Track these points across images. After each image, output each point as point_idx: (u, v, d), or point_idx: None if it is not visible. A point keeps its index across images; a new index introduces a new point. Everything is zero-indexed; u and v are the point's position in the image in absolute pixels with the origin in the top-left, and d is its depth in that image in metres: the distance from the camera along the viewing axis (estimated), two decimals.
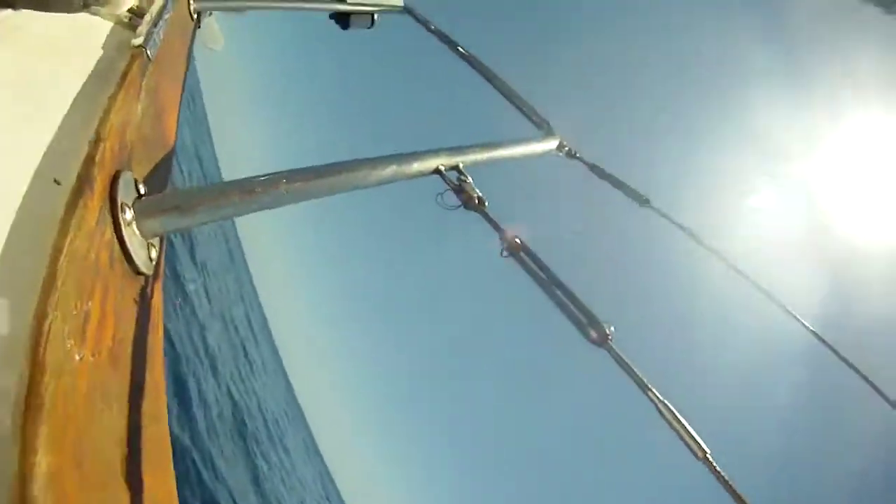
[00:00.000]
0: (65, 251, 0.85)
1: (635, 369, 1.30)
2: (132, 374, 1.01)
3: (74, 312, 0.84)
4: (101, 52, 1.55)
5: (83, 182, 0.99)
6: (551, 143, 2.36)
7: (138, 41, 1.53)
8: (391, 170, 1.53)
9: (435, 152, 1.68)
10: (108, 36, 1.66)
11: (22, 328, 0.77)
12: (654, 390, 1.26)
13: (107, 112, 1.18)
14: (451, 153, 1.72)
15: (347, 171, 1.46)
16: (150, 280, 1.19)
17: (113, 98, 1.25)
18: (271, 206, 1.33)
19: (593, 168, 2.38)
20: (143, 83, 1.46)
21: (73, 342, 0.81)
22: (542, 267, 1.39)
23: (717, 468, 1.17)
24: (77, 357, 0.81)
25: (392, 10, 2.90)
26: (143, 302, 1.13)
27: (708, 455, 1.18)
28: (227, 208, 1.23)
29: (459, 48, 2.61)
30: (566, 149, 2.46)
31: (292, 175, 1.35)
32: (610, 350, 1.32)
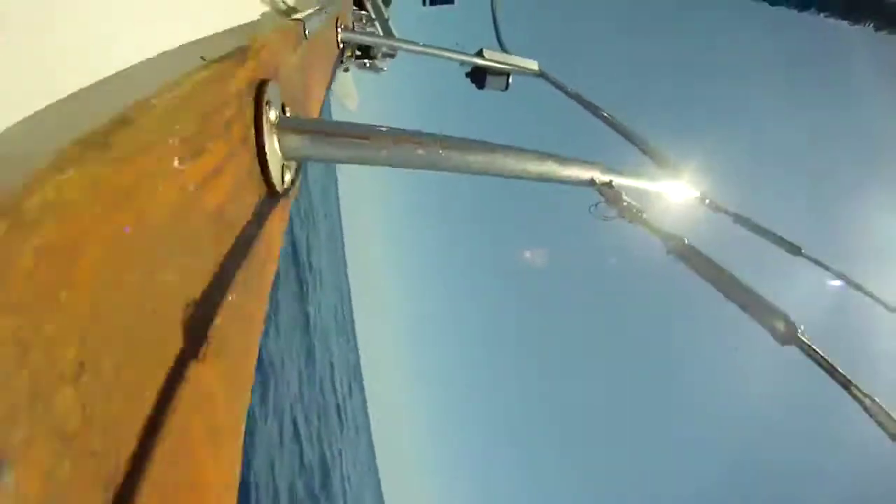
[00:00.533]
0: (199, 111, 0.72)
1: (829, 359, 1.19)
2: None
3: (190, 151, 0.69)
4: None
5: (234, 62, 0.89)
6: (694, 193, 2.28)
7: (299, 16, 1.54)
8: (548, 166, 1.40)
9: (592, 164, 1.54)
10: (265, 12, 1.68)
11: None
12: (848, 377, 1.14)
13: (264, 32, 1.13)
14: (607, 170, 1.57)
15: (505, 154, 1.31)
16: (275, 203, 1.04)
17: (275, 30, 1.20)
18: (422, 167, 1.19)
19: (738, 219, 2.23)
20: (300, 47, 1.42)
21: (179, 162, 0.65)
22: (715, 266, 1.32)
23: None
24: (178, 172, 0.65)
25: (526, 72, 2.92)
26: (261, 218, 0.97)
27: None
28: (375, 151, 1.10)
29: (595, 107, 2.56)
30: (707, 201, 2.34)
31: (450, 141, 1.22)
32: (801, 345, 1.22)
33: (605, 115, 2.86)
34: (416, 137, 1.14)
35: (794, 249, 2.23)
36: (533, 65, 2.96)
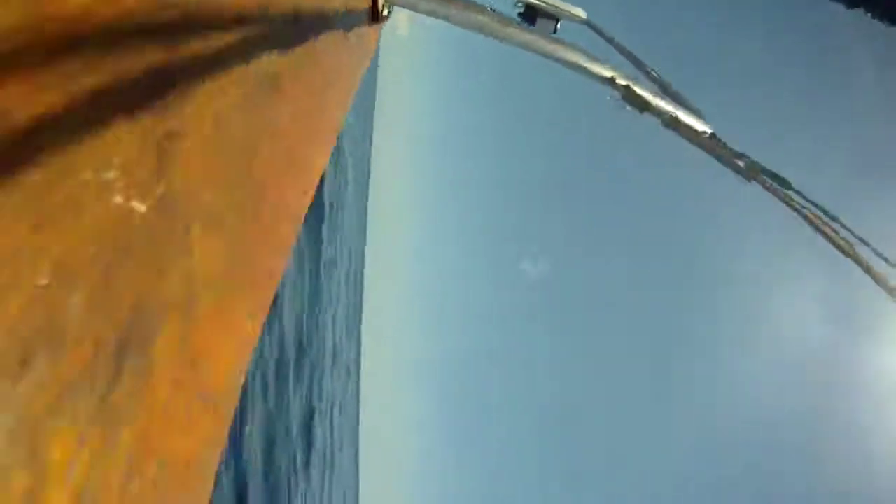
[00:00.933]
0: None
1: (789, 194, 1.34)
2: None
3: None
4: None
5: None
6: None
7: None
8: (576, 56, 1.71)
9: (614, 67, 1.84)
10: None
11: None
12: (810, 212, 1.30)
13: None
14: (630, 77, 1.87)
15: (542, 38, 1.64)
16: (368, 28, 1.42)
17: None
18: (478, 30, 1.53)
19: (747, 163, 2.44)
20: None
21: None
22: (695, 130, 1.52)
23: (868, 264, 1.14)
24: None
25: (573, 18, 3.20)
26: (365, 31, 1.39)
27: (855, 252, 1.16)
28: (447, 9, 1.45)
29: (641, 62, 2.82)
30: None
31: (503, 18, 1.56)
32: (763, 182, 1.38)
33: (649, 70, 3.08)
34: (481, 8, 1.50)
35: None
36: (580, 12, 3.24)
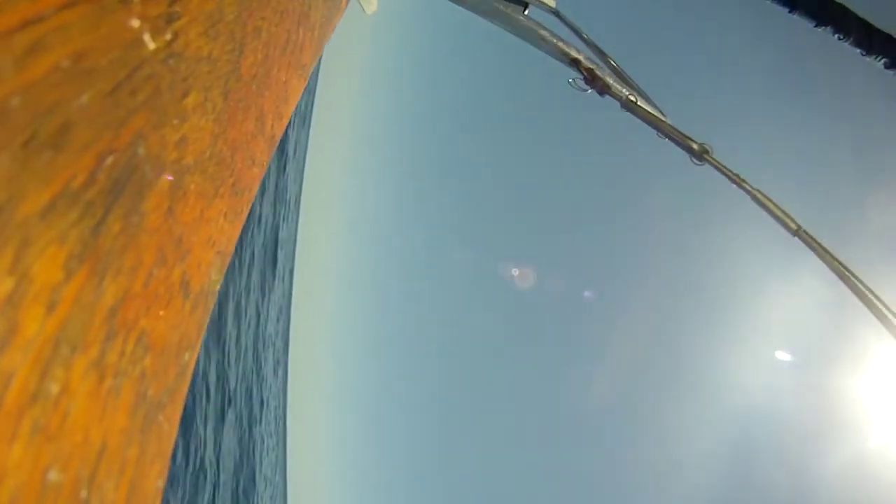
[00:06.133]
0: None
1: (735, 173, 1.45)
2: None
3: None
4: None
5: None
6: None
7: None
8: (545, 34, 1.73)
9: (579, 50, 1.87)
10: None
11: None
12: (748, 182, 1.40)
13: None
14: (590, 60, 1.91)
15: (513, 12, 1.66)
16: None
17: None
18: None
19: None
20: None
21: None
22: (645, 108, 1.60)
23: (813, 238, 1.22)
24: None
25: (542, 6, 3.24)
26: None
27: (802, 229, 1.24)
28: None
29: (605, 55, 2.87)
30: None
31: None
32: (713, 163, 1.56)
33: (614, 63, 3.13)
34: None
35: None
36: (551, 1, 3.28)
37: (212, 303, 0.74)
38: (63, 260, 0.39)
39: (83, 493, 0.42)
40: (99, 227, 0.44)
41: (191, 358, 0.66)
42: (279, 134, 1.03)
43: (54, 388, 0.38)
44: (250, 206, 0.90)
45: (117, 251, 0.47)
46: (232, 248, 0.81)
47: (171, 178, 0.56)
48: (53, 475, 0.38)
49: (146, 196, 0.51)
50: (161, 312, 0.56)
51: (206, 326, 0.72)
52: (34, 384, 0.36)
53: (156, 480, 0.57)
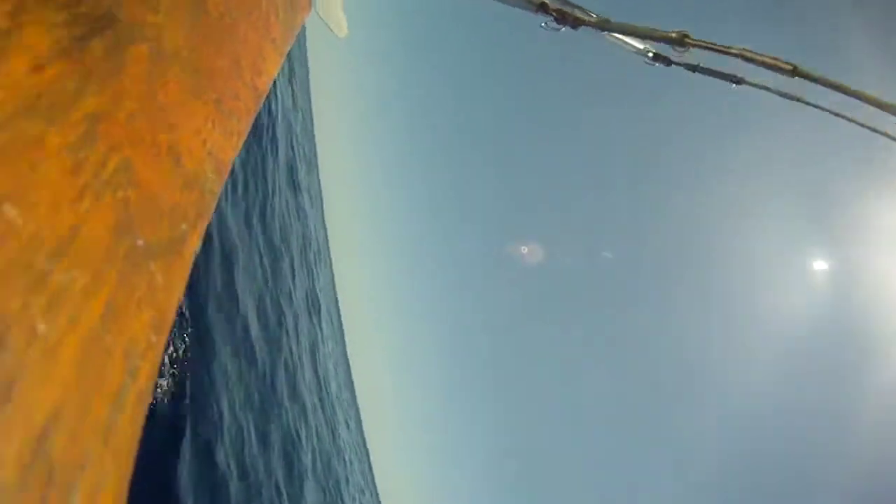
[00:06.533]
0: None
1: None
2: None
3: None
4: None
5: None
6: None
7: None
8: None
9: None
10: None
11: None
12: (734, 47, 1.40)
13: None
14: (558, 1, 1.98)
15: None
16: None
17: None
18: None
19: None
20: None
21: None
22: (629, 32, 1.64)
23: (809, 72, 1.23)
24: None
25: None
26: None
27: (797, 68, 1.26)
28: None
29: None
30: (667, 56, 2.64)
31: None
32: (696, 44, 1.51)
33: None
34: None
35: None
36: None
37: (212, 201, 0.71)
38: (49, 42, 0.43)
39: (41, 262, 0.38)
40: (84, 40, 0.47)
41: (189, 234, 0.62)
42: (262, 88, 1.02)
43: (26, 138, 0.39)
44: (241, 139, 0.86)
45: (99, 74, 0.48)
46: (227, 164, 0.78)
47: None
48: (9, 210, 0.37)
49: (125, 48, 0.54)
50: (147, 161, 0.55)
51: (207, 219, 0.68)
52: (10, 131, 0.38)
53: (146, 330, 0.50)
